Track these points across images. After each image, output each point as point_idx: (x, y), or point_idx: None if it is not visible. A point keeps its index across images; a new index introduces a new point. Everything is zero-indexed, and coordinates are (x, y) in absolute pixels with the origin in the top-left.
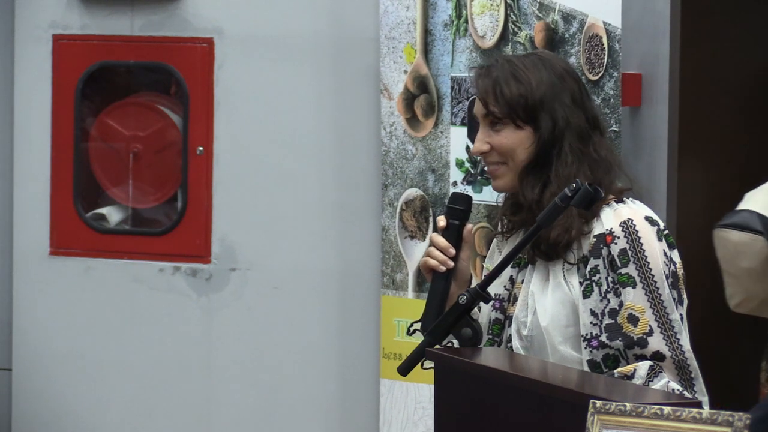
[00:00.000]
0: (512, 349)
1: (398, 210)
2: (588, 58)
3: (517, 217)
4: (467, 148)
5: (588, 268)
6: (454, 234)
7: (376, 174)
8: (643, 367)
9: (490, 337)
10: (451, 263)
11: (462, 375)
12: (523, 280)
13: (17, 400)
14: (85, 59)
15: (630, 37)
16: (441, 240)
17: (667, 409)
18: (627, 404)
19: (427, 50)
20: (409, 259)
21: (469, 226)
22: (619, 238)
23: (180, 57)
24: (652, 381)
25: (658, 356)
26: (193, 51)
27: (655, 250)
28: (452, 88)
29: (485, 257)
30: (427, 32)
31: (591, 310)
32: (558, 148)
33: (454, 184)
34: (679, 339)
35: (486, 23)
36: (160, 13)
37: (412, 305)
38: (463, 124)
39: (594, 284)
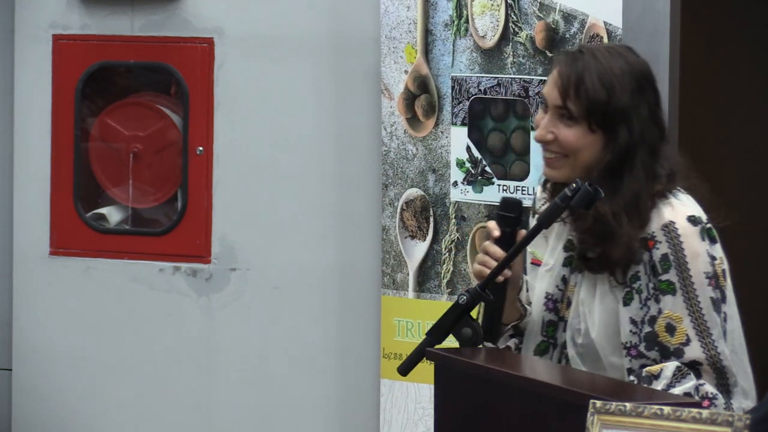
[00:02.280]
0: (566, 356)
1: (398, 210)
2: None
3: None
4: (467, 147)
5: (629, 275)
6: (506, 241)
7: (376, 174)
8: (669, 367)
9: (545, 338)
10: (509, 272)
11: (462, 375)
12: (575, 284)
13: (17, 400)
14: (85, 59)
15: (630, 37)
16: (497, 250)
17: (667, 409)
18: (627, 404)
19: (427, 50)
20: (410, 259)
21: (522, 231)
22: (660, 242)
23: (180, 57)
24: (679, 382)
25: (695, 364)
26: (193, 51)
27: (697, 254)
28: (453, 88)
29: None
30: (427, 32)
31: (631, 318)
32: (630, 162)
33: (455, 184)
34: (717, 346)
35: (486, 23)
36: (160, 13)
37: (412, 305)
38: (463, 124)
39: (634, 291)
